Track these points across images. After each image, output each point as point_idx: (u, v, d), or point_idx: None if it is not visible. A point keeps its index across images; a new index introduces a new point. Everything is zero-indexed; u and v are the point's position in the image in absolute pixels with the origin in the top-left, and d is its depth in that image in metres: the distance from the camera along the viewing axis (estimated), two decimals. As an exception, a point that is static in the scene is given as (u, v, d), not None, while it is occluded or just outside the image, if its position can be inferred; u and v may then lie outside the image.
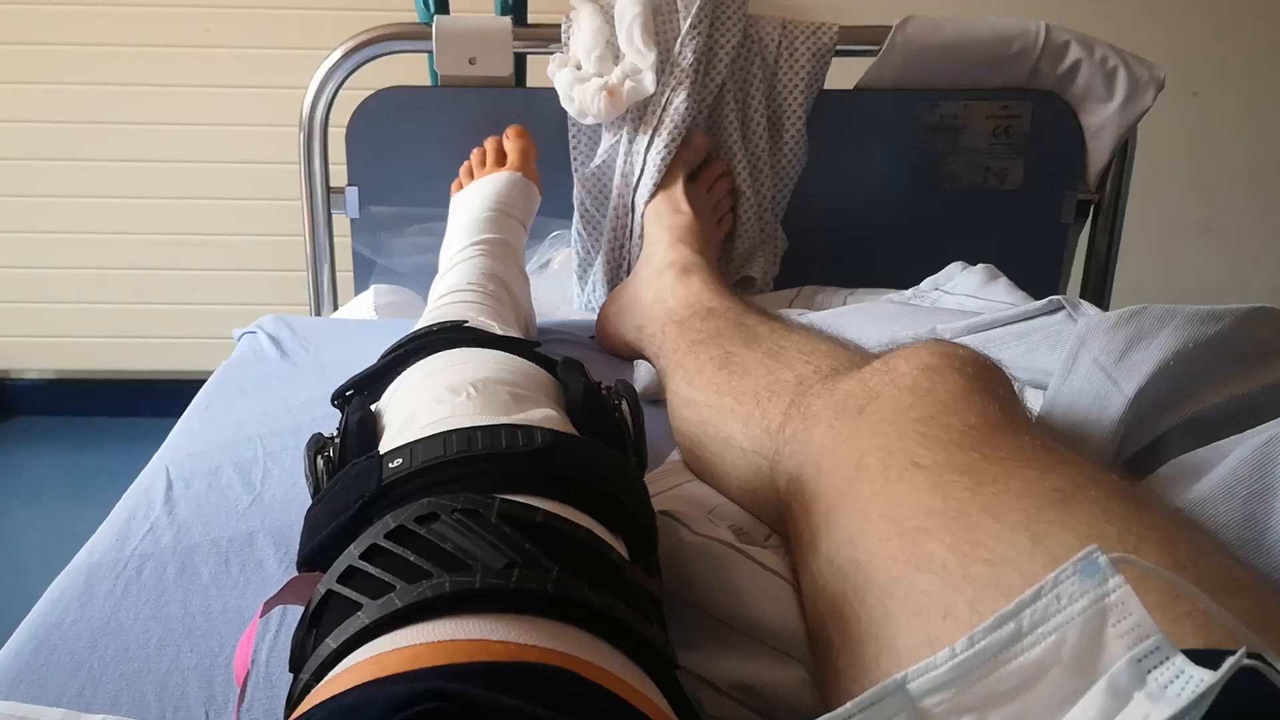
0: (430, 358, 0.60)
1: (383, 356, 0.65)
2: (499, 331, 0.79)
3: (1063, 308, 0.74)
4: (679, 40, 1.14)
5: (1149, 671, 0.32)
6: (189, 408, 0.88)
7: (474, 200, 1.07)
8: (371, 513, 0.45)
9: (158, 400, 2.03)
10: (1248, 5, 2.03)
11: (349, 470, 0.48)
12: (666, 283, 1.00)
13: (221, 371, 0.95)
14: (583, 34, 1.15)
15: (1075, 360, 0.60)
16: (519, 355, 0.62)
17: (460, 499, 0.42)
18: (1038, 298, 1.13)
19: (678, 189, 1.12)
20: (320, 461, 0.52)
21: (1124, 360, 0.58)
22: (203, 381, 0.94)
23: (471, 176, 1.13)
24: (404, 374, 0.60)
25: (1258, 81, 2.08)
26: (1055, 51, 1.14)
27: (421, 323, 0.84)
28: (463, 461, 0.46)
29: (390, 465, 0.46)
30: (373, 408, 0.57)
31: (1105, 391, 0.58)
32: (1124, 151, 1.18)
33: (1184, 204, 2.14)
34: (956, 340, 0.76)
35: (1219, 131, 2.11)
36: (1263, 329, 0.60)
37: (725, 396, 0.72)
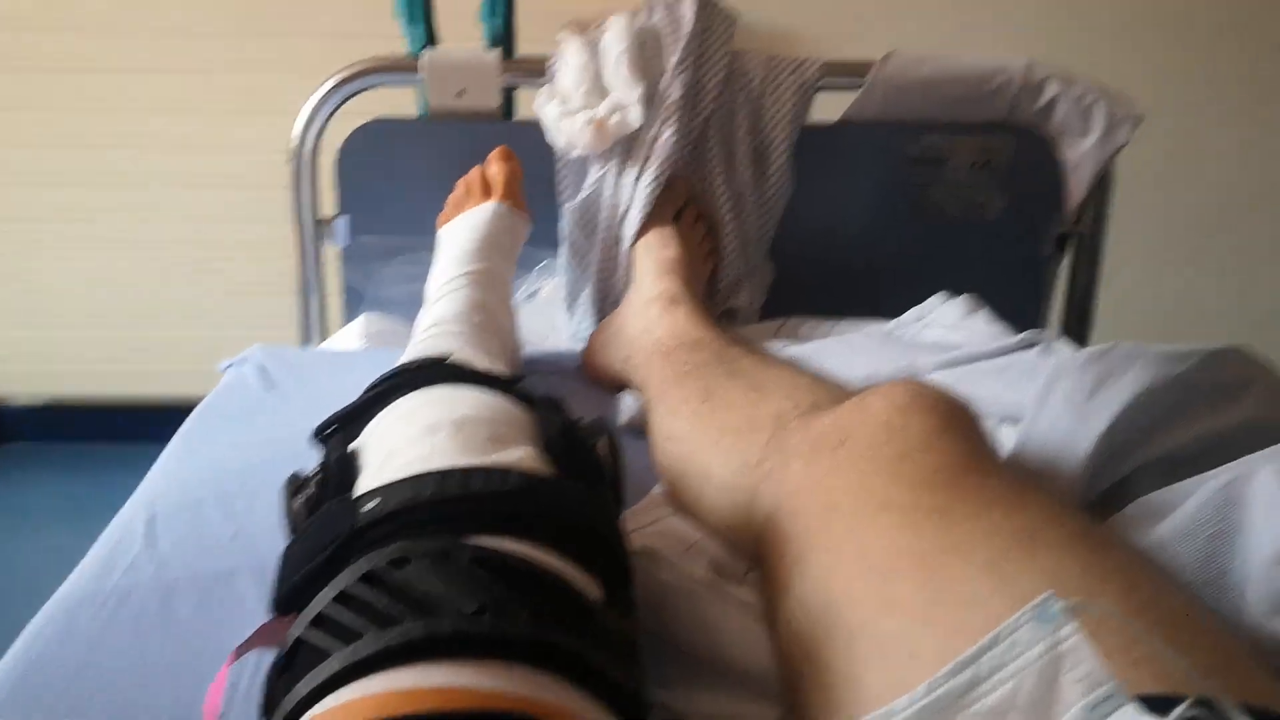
0: (410, 395, 0.60)
1: (365, 392, 0.65)
2: (483, 365, 0.80)
3: (1038, 344, 0.75)
4: (666, 75, 1.15)
5: (1103, 719, 0.33)
6: (173, 440, 0.88)
7: (461, 232, 1.08)
8: (346, 555, 0.45)
9: (152, 426, 2.03)
10: (1232, 37, 2.05)
11: (324, 512, 0.49)
12: (653, 314, 1.01)
13: (206, 404, 0.95)
14: (570, 68, 1.17)
15: (1047, 398, 0.61)
16: (499, 392, 0.62)
17: (432, 543, 0.43)
18: (1020, 328, 1.14)
19: (667, 224, 1.13)
20: (298, 501, 0.52)
21: (1093, 398, 0.59)
22: (194, 408, 0.95)
23: (458, 208, 1.14)
24: (384, 411, 0.60)
25: (1240, 113, 2.10)
26: (1034, 87, 1.16)
27: (407, 355, 0.85)
28: (437, 504, 0.46)
29: (365, 508, 0.47)
30: (352, 445, 0.58)
31: (1075, 429, 0.59)
32: (1102, 185, 1.20)
33: (1167, 233, 2.16)
34: (933, 376, 0.77)
35: (1200, 162, 2.13)
36: (1228, 369, 0.61)
37: (707, 430, 0.73)
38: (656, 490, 0.79)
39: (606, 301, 1.19)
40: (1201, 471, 0.56)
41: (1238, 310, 2.23)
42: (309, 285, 1.25)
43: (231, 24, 1.94)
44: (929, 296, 1.13)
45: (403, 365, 0.68)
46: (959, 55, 1.19)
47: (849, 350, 0.90)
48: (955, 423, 0.55)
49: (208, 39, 1.95)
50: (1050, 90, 1.16)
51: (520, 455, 0.53)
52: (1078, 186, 1.19)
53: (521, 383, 0.65)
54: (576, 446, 0.58)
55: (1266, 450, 0.56)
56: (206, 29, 1.94)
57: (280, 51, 1.94)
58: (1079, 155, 1.17)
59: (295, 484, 0.53)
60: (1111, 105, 1.14)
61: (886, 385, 0.59)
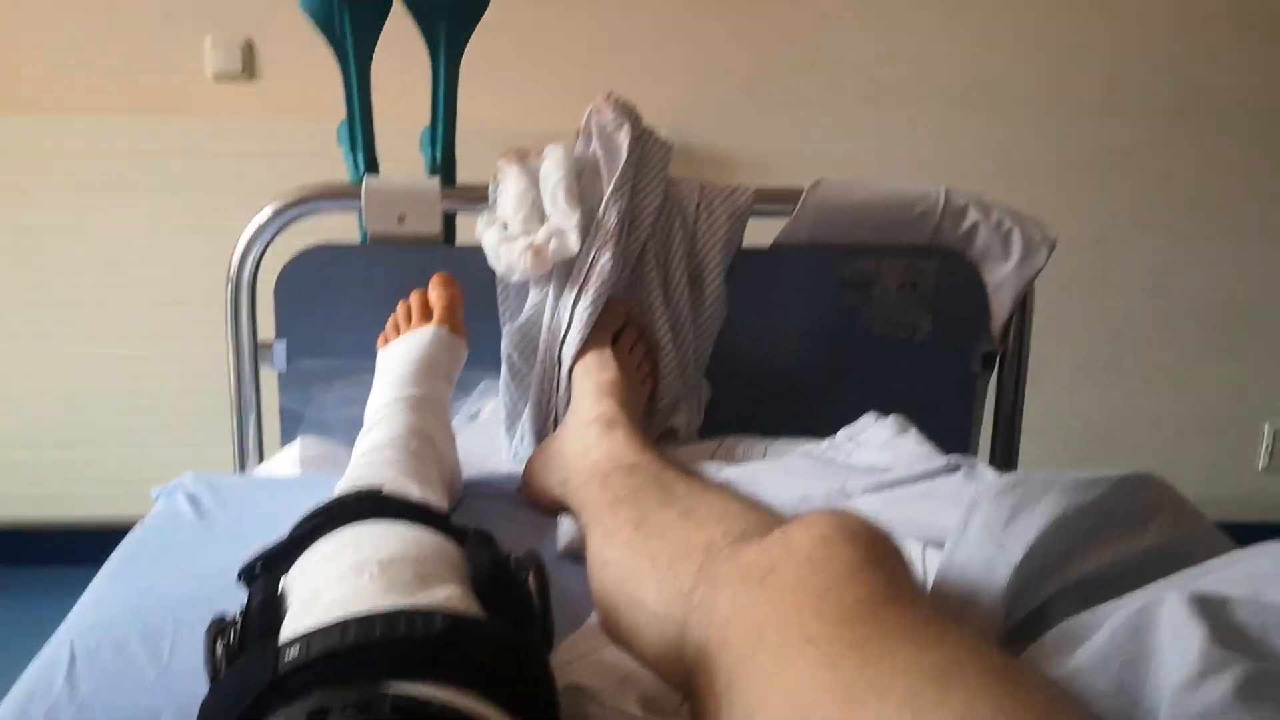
0: (338, 532, 0.60)
1: (294, 528, 0.65)
2: (417, 493, 0.80)
3: (961, 468, 0.77)
4: (603, 202, 1.19)
5: None
6: (100, 573, 0.87)
7: (399, 356, 1.09)
8: (266, 704, 0.45)
9: (78, 550, 1.99)
10: (1144, 161, 2.17)
11: (243, 662, 0.48)
12: (591, 436, 1.02)
13: (136, 534, 0.94)
14: (509, 195, 1.20)
15: (966, 527, 0.63)
16: (430, 526, 0.63)
17: (352, 692, 0.43)
18: (952, 443, 1.17)
19: (605, 347, 1.16)
20: (219, 647, 0.52)
21: (1009, 527, 0.61)
22: (128, 529, 0.94)
23: (397, 331, 1.16)
24: (311, 549, 0.60)
25: (1158, 230, 2.20)
26: (955, 213, 1.21)
27: (342, 483, 0.85)
28: (360, 650, 0.46)
29: (286, 657, 0.47)
30: (280, 584, 0.57)
31: (993, 558, 0.60)
32: (1024, 306, 1.25)
33: (1092, 345, 2.24)
34: (862, 499, 0.79)
35: (1122, 276, 2.22)
36: (1139, 494, 0.63)
37: (640, 558, 0.74)
38: (593, 619, 0.79)
39: (546, 423, 1.20)
40: (1117, 596, 0.57)
41: (1166, 417, 2.30)
42: (245, 409, 1.24)
43: (175, 144, 1.96)
44: (862, 414, 1.15)
45: (334, 499, 0.69)
46: (884, 182, 1.24)
47: (783, 473, 0.92)
48: (877, 554, 0.56)
49: (150, 155, 1.96)
50: (970, 216, 1.21)
51: (447, 595, 0.53)
52: (1001, 307, 1.23)
53: (457, 511, 0.66)
54: (506, 583, 0.58)
55: (1174, 576, 0.58)
56: (150, 147, 1.96)
57: (223, 172, 1.96)
58: (1000, 278, 1.22)
59: (217, 628, 0.53)
60: (1027, 231, 1.20)
61: (811, 516, 0.60)
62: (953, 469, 0.77)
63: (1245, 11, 2.11)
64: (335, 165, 1.30)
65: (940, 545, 0.70)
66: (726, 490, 0.81)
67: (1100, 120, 2.13)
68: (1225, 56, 2.13)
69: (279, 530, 0.65)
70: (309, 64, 1.22)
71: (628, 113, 1.22)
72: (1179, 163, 2.17)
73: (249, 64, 2.00)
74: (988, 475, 0.75)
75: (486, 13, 1.26)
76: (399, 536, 0.59)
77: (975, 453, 1.33)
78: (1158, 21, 2.10)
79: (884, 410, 1.15)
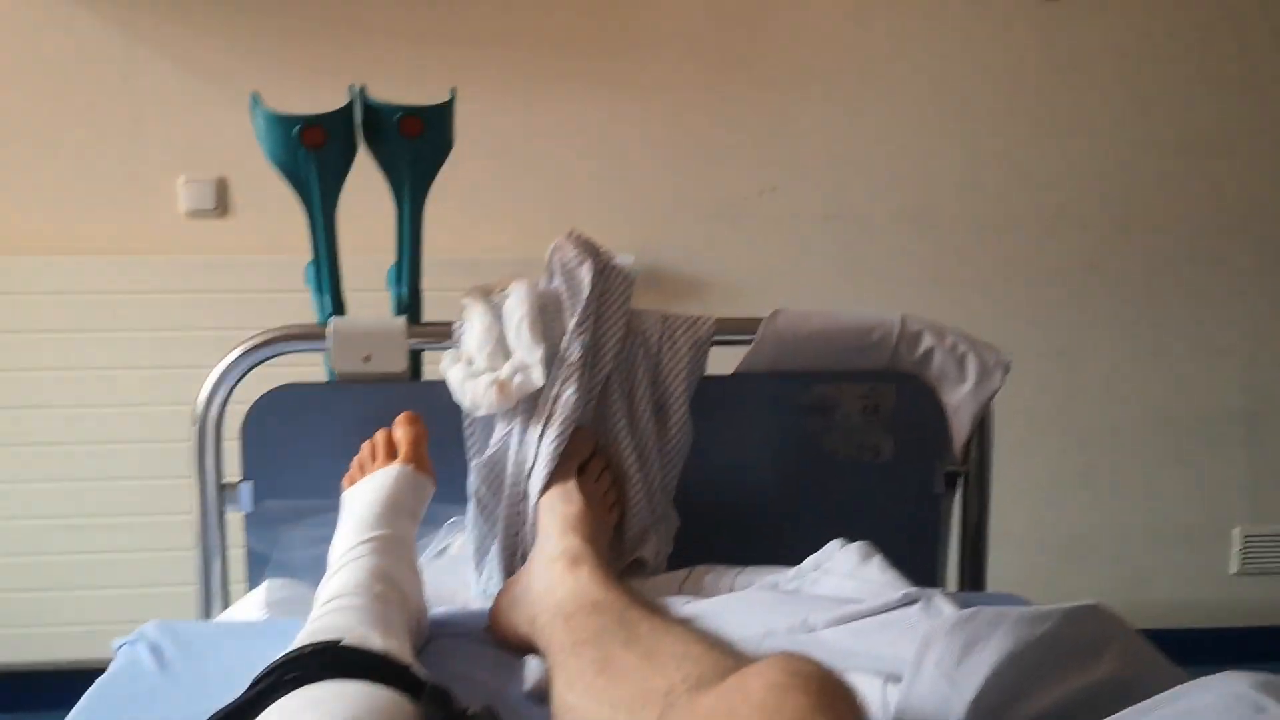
0: (295, 694, 0.60)
1: (250, 685, 0.65)
2: (379, 643, 0.80)
3: (919, 600, 0.77)
4: (566, 336, 1.21)
5: None
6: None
7: (363, 497, 1.10)
8: None
9: (38, 695, 1.93)
10: (1098, 274, 2.23)
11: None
12: (556, 573, 1.02)
13: (97, 689, 0.92)
14: (474, 331, 1.22)
15: (920, 665, 0.63)
16: (387, 682, 0.63)
17: None
18: (919, 564, 1.17)
19: (570, 480, 1.16)
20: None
21: (962, 664, 0.61)
22: (95, 671, 0.93)
23: (363, 470, 1.16)
24: (268, 710, 0.60)
25: (1118, 341, 2.25)
26: (911, 339, 1.24)
27: (303, 633, 0.84)
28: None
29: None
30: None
31: (948, 696, 0.61)
32: (984, 426, 1.27)
33: (1063, 456, 2.26)
34: (823, 633, 0.80)
35: (1087, 386, 2.26)
36: (1088, 625, 0.64)
37: (601, 705, 0.74)
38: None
39: (514, 558, 1.20)
40: (1071, 732, 0.58)
41: (1138, 525, 2.31)
42: (210, 553, 1.24)
43: (147, 283, 1.98)
44: (829, 538, 1.16)
45: (291, 655, 0.68)
46: (841, 310, 1.28)
47: (746, 607, 0.92)
48: (828, 700, 0.56)
49: (122, 296, 1.98)
50: (926, 341, 1.24)
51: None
52: (960, 428, 1.25)
53: (424, 651, 0.65)
54: (462, 739, 0.58)
55: (1127, 711, 0.58)
56: (120, 286, 1.97)
57: (196, 309, 1.98)
58: (958, 400, 1.24)
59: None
60: (981, 355, 1.23)
61: (766, 662, 0.61)
62: (911, 601, 0.78)
63: (1183, 136, 2.20)
64: (307, 299, 1.33)
65: (899, 679, 0.70)
66: (690, 629, 0.81)
67: (1055, 236, 2.20)
68: (1166, 175, 2.21)
69: (243, 681, 0.65)
70: (283, 199, 1.25)
71: (589, 249, 1.25)
72: (1131, 274, 2.23)
73: (222, 201, 2.04)
74: (944, 608, 0.75)
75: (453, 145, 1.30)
76: (354, 696, 0.59)
77: (945, 572, 1.34)
78: (1103, 143, 2.19)
79: (851, 534, 1.15)
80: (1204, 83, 2.19)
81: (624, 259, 2.08)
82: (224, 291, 1.97)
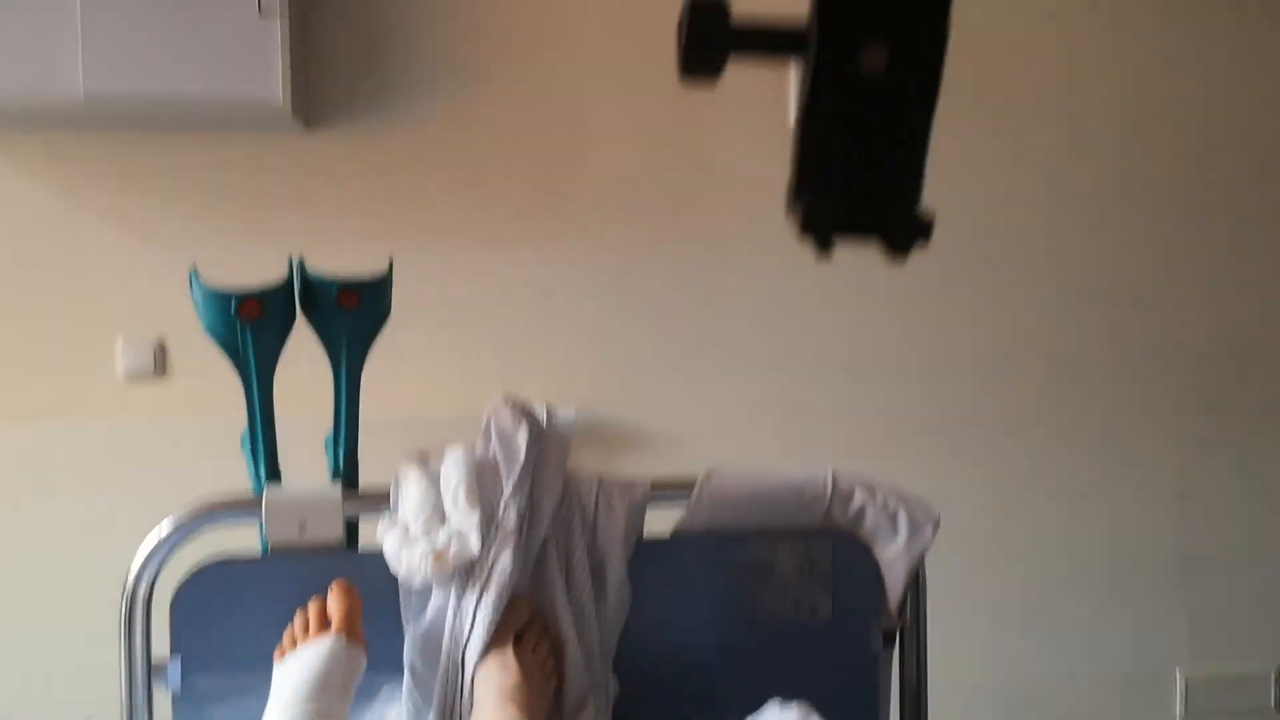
0: None
1: None
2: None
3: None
4: (502, 501, 1.21)
5: None
6: None
7: (294, 673, 1.07)
8: None
9: None
10: (1031, 418, 2.29)
11: None
12: (492, 747, 1.00)
13: None
14: (410, 498, 1.22)
15: None
16: None
17: None
18: (861, 723, 1.16)
19: (507, 649, 1.15)
20: None
21: None
22: None
23: (294, 643, 1.14)
24: None
25: (1050, 486, 2.30)
26: (843, 496, 1.26)
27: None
28: None
29: None
30: None
31: None
32: (917, 581, 1.28)
33: (1003, 604, 2.27)
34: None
35: (1024, 534, 2.29)
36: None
37: None
38: None
39: (449, 731, 1.17)
40: None
41: (1081, 671, 2.31)
42: (136, 735, 1.19)
43: (84, 448, 1.96)
44: (769, 698, 1.15)
45: None
46: (774, 469, 1.30)
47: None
48: None
49: (56, 462, 1.96)
50: (858, 499, 1.26)
51: None
52: (895, 584, 1.26)
53: None
54: None
55: None
56: (57, 452, 1.95)
57: (132, 473, 1.95)
58: (891, 556, 1.26)
59: None
60: (912, 510, 1.25)
61: None
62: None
63: (1103, 286, 2.30)
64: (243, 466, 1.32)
65: None
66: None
67: (991, 384, 2.26)
68: (1095, 325, 2.31)
69: None
70: (222, 360, 1.26)
71: (525, 414, 1.27)
72: (1059, 420, 2.30)
73: (160, 363, 2.04)
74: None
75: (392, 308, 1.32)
76: None
77: (887, 727, 1.33)
78: (1040, 293, 2.28)
79: (790, 694, 1.15)
80: (1117, 236, 2.31)
81: (565, 413, 2.14)
82: (162, 455, 1.95)
